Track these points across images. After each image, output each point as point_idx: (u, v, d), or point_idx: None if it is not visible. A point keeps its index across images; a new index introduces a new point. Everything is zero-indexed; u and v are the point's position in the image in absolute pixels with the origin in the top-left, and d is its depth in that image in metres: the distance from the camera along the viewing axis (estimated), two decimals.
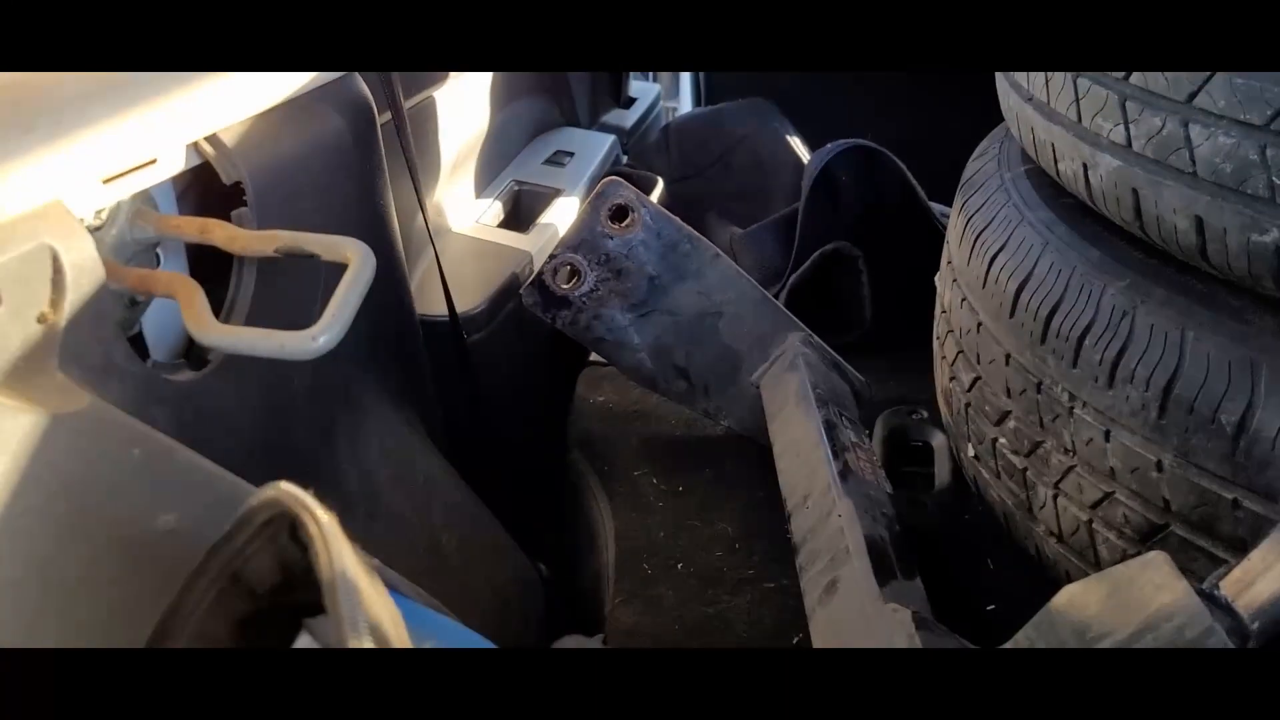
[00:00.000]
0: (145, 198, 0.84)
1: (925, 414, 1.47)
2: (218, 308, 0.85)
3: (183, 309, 0.74)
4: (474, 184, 1.72)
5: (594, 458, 1.41)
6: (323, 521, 0.41)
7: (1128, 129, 0.88)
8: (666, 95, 3.20)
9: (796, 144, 2.08)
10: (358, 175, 1.03)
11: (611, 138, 2.17)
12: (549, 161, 1.95)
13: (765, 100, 2.22)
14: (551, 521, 1.54)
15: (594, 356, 1.59)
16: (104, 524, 0.56)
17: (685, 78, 3.22)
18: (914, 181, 1.68)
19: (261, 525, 0.44)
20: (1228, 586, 0.71)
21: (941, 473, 1.34)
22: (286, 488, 0.44)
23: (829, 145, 1.70)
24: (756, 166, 2.04)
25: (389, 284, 1.15)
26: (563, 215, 1.73)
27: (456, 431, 1.37)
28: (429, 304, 1.31)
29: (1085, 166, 0.95)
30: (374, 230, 1.09)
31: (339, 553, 0.40)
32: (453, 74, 1.51)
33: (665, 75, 3.20)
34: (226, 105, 0.83)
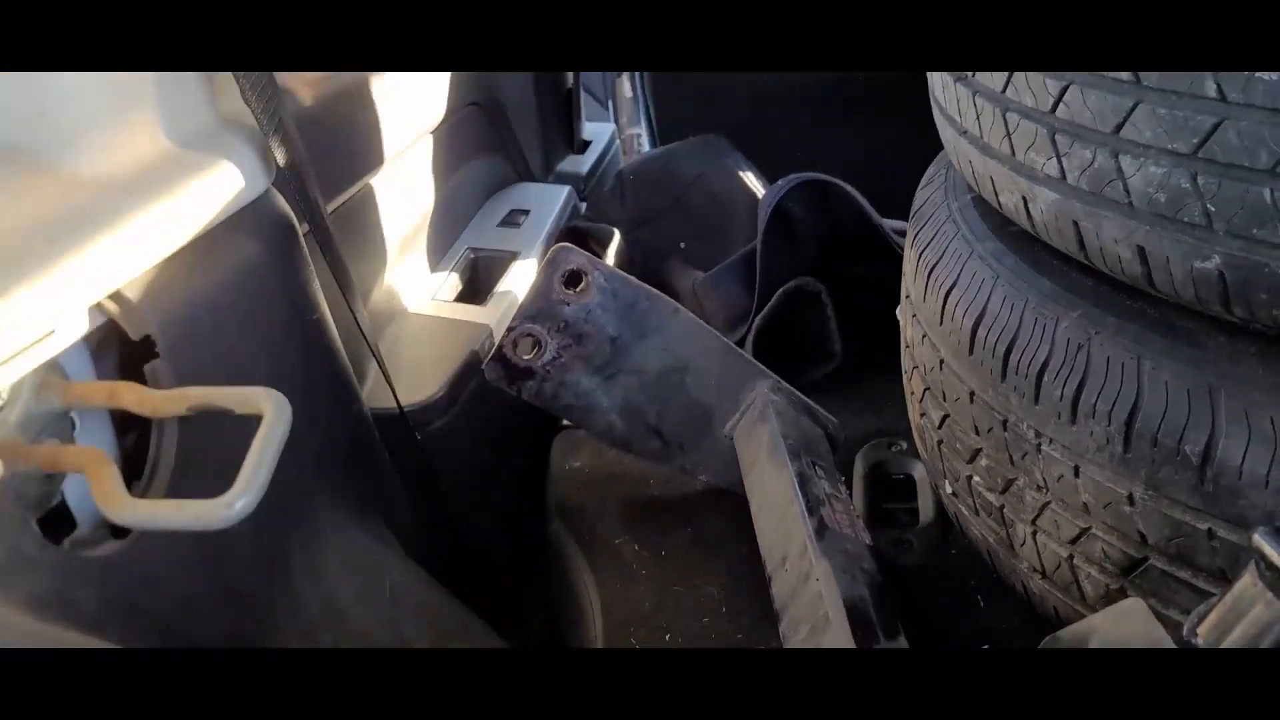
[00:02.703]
0: (52, 365, 0.81)
1: (904, 445, 1.45)
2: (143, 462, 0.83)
3: (92, 486, 0.72)
4: (427, 258, 1.71)
5: (574, 528, 1.39)
6: None
7: (1061, 162, 0.87)
8: (630, 122, 3.19)
9: (750, 179, 2.07)
10: (284, 295, 1.01)
11: (566, 189, 2.16)
12: (504, 223, 1.93)
13: (715, 136, 2.21)
14: (538, 596, 1.51)
15: (566, 421, 1.57)
16: None
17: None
18: (869, 209, 1.67)
19: None
20: (1204, 633, 0.70)
21: (925, 507, 1.32)
22: None
23: (779, 182, 1.69)
24: (713, 205, 2.03)
25: (334, 392, 1.13)
26: (521, 279, 1.72)
27: (427, 525, 1.35)
28: (387, 397, 1.29)
29: (1025, 200, 0.94)
30: (310, 345, 1.07)
31: None
32: (390, 155, 1.49)
33: (625, 101, 3.19)
34: (128, 258, 0.81)
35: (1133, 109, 0.78)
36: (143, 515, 0.72)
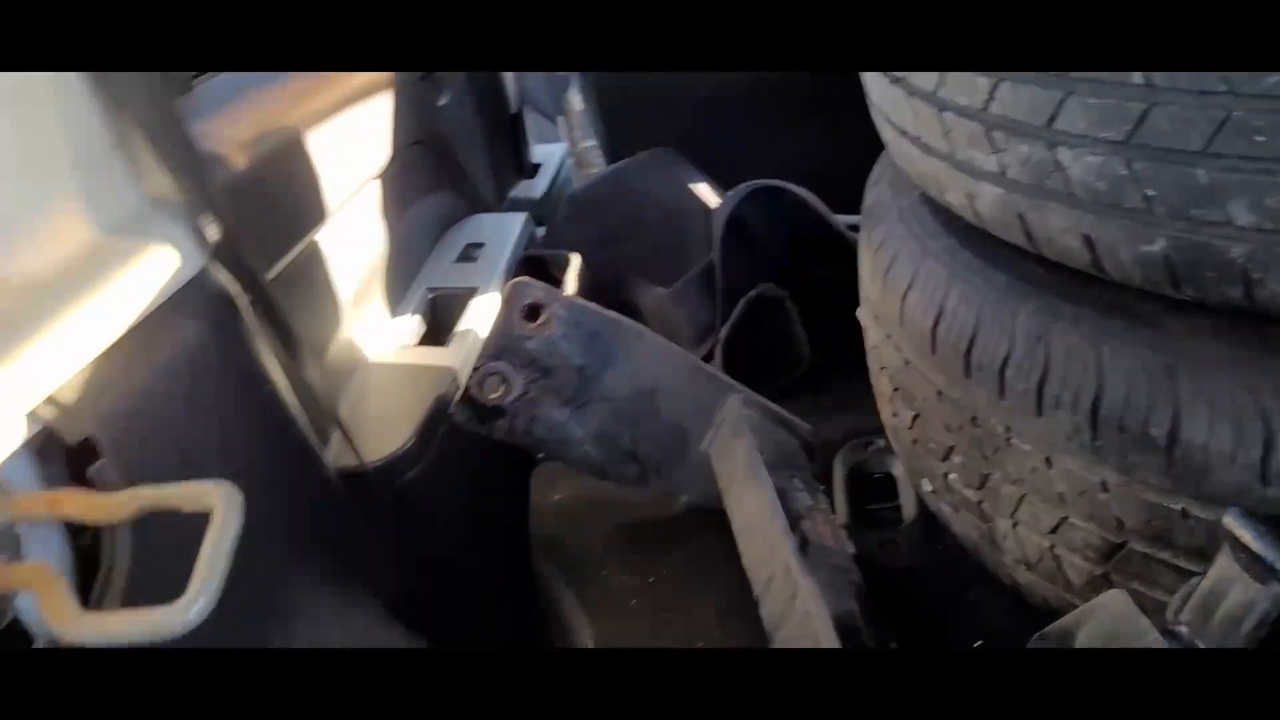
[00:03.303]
0: None
1: (882, 443, 1.45)
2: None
3: (41, 605, 0.70)
4: (386, 304, 1.69)
5: (561, 563, 1.38)
6: None
7: (999, 158, 0.87)
8: (583, 135, 3.17)
9: (704, 190, 2.06)
10: (232, 372, 0.99)
11: (522, 216, 2.14)
12: (461, 258, 1.91)
13: (664, 149, 2.20)
14: (530, 638, 1.50)
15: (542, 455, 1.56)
16: None
17: None
18: (824, 211, 1.67)
19: None
20: (1187, 619, 0.70)
21: (907, 505, 1.32)
22: None
23: (732, 192, 1.69)
24: (669, 220, 2.02)
25: (296, 463, 1.11)
26: (482, 316, 1.70)
27: (410, 580, 1.33)
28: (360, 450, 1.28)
29: (969, 196, 0.94)
30: (265, 419, 1.05)
31: None
32: (335, 207, 1.48)
33: (576, 115, 3.17)
34: (62, 359, 0.79)
35: (1063, 101, 0.78)
36: (94, 632, 0.70)
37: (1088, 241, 0.83)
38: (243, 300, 1.03)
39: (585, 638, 1.25)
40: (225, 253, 0.99)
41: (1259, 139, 0.67)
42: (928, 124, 0.96)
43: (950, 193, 0.98)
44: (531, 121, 2.89)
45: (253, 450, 0.99)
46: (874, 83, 1.10)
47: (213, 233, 0.97)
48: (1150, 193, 0.75)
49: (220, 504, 0.72)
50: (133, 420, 0.86)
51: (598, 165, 2.93)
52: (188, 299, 0.95)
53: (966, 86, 0.87)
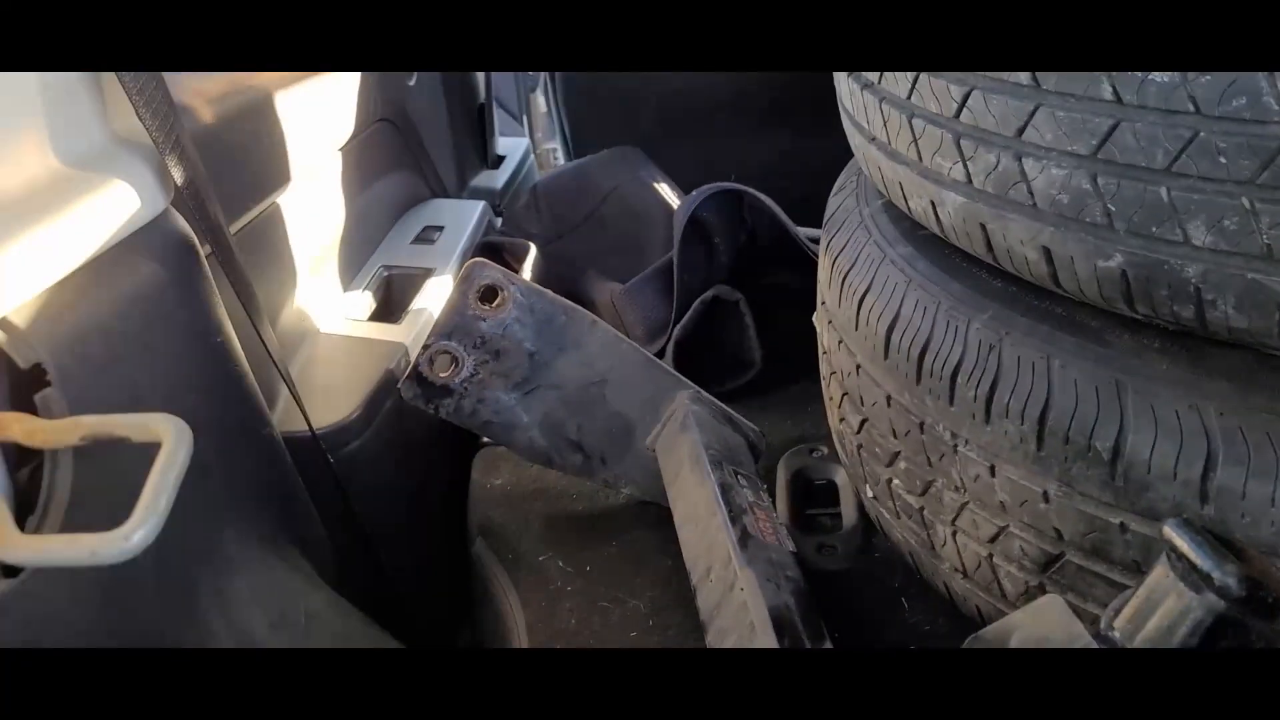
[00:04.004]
0: None
1: (825, 450, 1.46)
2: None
3: None
4: (340, 277, 1.67)
5: (497, 546, 1.36)
6: None
7: (966, 166, 0.88)
8: (545, 137, 3.17)
9: (666, 190, 2.07)
10: (185, 319, 0.97)
11: (481, 204, 2.14)
12: (418, 240, 1.90)
13: (630, 148, 2.21)
14: (461, 617, 1.48)
15: (486, 438, 1.55)
16: None
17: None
18: (783, 217, 1.68)
19: None
20: (1121, 625, 0.71)
21: (847, 512, 1.33)
22: None
23: (695, 193, 1.70)
24: (629, 217, 2.03)
25: (242, 418, 1.09)
26: (436, 296, 1.69)
27: (346, 549, 1.31)
28: (300, 419, 1.26)
29: (933, 204, 0.95)
30: (215, 370, 1.04)
31: None
32: (297, 173, 1.46)
33: (540, 116, 3.17)
34: (14, 283, 0.76)
35: (1033, 112, 0.79)
36: (32, 552, 0.68)
37: (1046, 254, 0.84)
38: (202, 249, 1.01)
39: (518, 621, 1.24)
40: (188, 200, 0.97)
41: (1221, 160, 0.69)
42: (897, 130, 0.97)
43: (915, 200, 0.99)
44: (497, 116, 2.88)
45: (200, 399, 0.97)
46: (845, 87, 1.11)
47: (177, 176, 0.95)
48: (1112, 208, 0.76)
49: (170, 434, 0.70)
50: (83, 352, 0.84)
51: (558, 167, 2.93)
52: (147, 240, 0.93)
53: (938, 94, 0.88)
